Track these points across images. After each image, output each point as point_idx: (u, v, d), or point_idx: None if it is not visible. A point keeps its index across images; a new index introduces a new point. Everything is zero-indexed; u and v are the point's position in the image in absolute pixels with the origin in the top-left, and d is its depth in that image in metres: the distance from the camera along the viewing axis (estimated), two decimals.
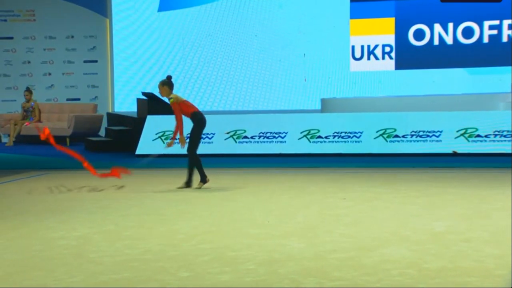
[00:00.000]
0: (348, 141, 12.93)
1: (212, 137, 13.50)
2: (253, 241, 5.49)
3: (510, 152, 11.91)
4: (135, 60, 17.81)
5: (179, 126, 8.94)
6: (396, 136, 12.51)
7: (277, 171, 10.90)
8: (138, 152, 13.61)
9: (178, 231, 5.91)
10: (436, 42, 15.75)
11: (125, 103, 17.71)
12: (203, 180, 8.64)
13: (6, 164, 13.13)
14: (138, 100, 15.11)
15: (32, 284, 4.54)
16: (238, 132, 13.65)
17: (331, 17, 16.50)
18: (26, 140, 16.89)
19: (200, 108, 17.00)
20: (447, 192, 8.12)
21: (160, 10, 17.95)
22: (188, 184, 8.63)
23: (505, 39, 15.03)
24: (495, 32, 15.29)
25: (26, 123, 16.85)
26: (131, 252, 5.25)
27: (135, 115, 15.20)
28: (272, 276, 4.58)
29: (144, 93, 14.75)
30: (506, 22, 15.05)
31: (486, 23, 15.35)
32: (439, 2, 16.37)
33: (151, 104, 14.40)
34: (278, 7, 17.07)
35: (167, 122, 13.99)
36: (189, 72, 17.49)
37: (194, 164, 8.74)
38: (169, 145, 9.10)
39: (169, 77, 9.22)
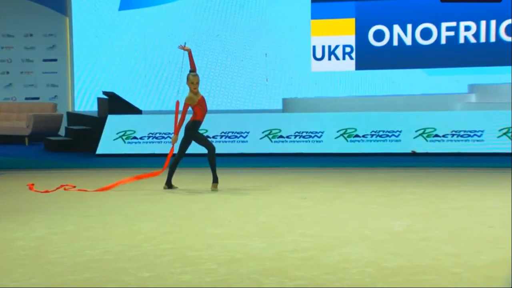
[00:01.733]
0: (309, 141, 13.01)
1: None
2: (214, 241, 5.52)
3: (466, 152, 12.28)
4: (96, 59, 17.62)
5: (181, 124, 9.08)
6: (357, 136, 12.64)
7: (239, 171, 11.03)
8: (98, 151, 13.59)
9: (139, 231, 5.91)
10: (395, 43, 15.94)
11: (85, 103, 17.68)
12: (170, 184, 8.84)
13: None
14: (99, 99, 15.09)
15: None
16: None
17: (293, 17, 16.60)
18: None
19: (161, 107, 16.95)
20: (406, 192, 8.25)
21: (121, 9, 17.95)
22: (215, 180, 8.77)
23: (461, 40, 15.31)
24: (452, 33, 15.57)
25: None
26: (91, 253, 5.24)
27: (95, 115, 15.18)
28: (233, 276, 4.61)
29: (105, 92, 14.73)
30: (462, 24, 15.36)
31: (444, 25, 15.62)
32: (398, 3, 16.73)
33: (112, 104, 14.38)
34: (239, 7, 17.15)
35: (128, 122, 14.22)
36: (150, 71, 17.49)
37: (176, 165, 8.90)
38: (175, 141, 9.07)
39: (189, 70, 9.24)
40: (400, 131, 12.77)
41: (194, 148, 11.40)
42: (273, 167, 11.56)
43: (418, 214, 6.69)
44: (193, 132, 9.02)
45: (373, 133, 12.69)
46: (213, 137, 13.07)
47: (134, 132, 13.97)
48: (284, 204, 7.43)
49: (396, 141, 12.63)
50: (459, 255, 4.99)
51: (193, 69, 9.19)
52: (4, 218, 6.97)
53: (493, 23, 15.32)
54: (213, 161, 8.75)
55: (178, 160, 9.06)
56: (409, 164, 11.39)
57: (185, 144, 9.07)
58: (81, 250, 5.30)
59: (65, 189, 8.91)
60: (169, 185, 9.03)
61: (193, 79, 8.97)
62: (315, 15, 16.53)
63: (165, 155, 10.94)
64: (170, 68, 17.38)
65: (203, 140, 8.97)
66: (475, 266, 4.76)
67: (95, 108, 15.64)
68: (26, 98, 18.53)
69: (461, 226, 6.09)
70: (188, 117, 9.05)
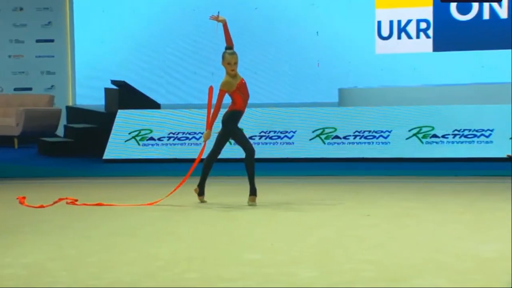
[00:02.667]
0: (372, 143, 13.21)
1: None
2: (251, 269, 5.52)
3: None
4: (102, 39, 18.00)
5: (216, 116, 9.02)
6: (434, 136, 12.95)
7: (282, 180, 11.16)
8: (106, 156, 13.82)
9: (156, 256, 5.96)
10: (486, 16, 16.05)
11: (89, 95, 17.70)
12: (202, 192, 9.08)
13: None
14: (107, 90, 15.25)
15: None
16: None
17: None
18: None
19: (184, 101, 16.96)
20: (498, 208, 8.25)
21: None
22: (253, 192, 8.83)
23: None
24: None
25: None
26: (97, 284, 5.26)
27: (102, 110, 15.38)
28: None
29: (114, 82, 14.84)
30: None
31: None
32: None
33: (123, 96, 14.54)
34: None
35: (143, 119, 14.29)
36: (170, 55, 17.58)
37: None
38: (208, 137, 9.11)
39: (225, 47, 9.08)
40: (491, 130, 12.86)
41: (227, 152, 11.47)
42: (326, 175, 11.75)
43: None
44: (231, 126, 8.89)
45: (455, 132, 13.01)
46: (250, 138, 13.09)
47: (151, 131, 14.14)
48: (340, 222, 7.47)
49: (487, 142, 12.91)
50: None
51: (229, 46, 8.95)
52: None
53: None
54: (251, 167, 8.69)
55: (212, 160, 9.00)
56: (504, 172, 11.35)
57: (221, 140, 8.96)
58: (83, 281, 5.32)
59: (66, 203, 8.90)
60: (201, 190, 8.96)
61: (230, 58, 8.77)
62: None
63: (190, 160, 11.02)
64: (196, 49, 17.59)
65: (242, 139, 8.84)
66: None
67: (101, 101, 15.76)
68: (15, 89, 18.86)
69: None
70: (224, 107, 8.95)
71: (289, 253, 6.15)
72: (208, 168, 9.02)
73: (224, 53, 8.83)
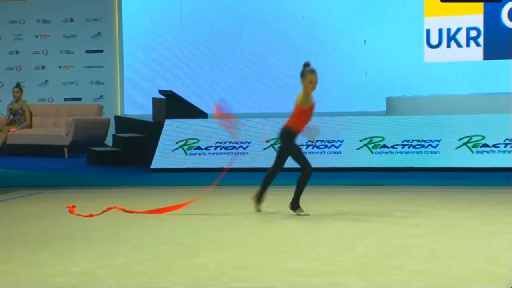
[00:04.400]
0: (421, 152, 13.23)
1: (247, 146, 13.52)
2: (298, 278, 5.56)
3: None
4: (150, 49, 18.12)
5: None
6: (485, 145, 12.91)
7: (329, 190, 11.18)
8: (154, 165, 13.87)
9: (204, 265, 6.01)
10: None
11: (137, 105, 17.91)
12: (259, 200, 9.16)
13: None
14: (154, 100, 15.39)
15: None
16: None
17: None
18: (14, 151, 17.21)
19: (237, 110, 17.01)
20: None
21: None
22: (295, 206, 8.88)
23: None
24: None
25: (13, 129, 17.07)
26: None
27: (150, 119, 15.47)
28: None
29: (161, 91, 14.91)
30: None
31: None
32: None
33: (171, 105, 14.58)
34: None
35: (190, 128, 14.37)
36: (218, 65, 17.65)
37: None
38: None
39: (305, 64, 8.99)
40: None
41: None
42: (373, 185, 11.77)
43: None
44: (289, 144, 8.90)
45: (507, 141, 12.86)
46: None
47: (198, 141, 14.13)
48: (388, 232, 7.48)
49: None
50: None
51: (308, 62, 8.92)
52: (39, 249, 7.11)
53: None
54: (302, 186, 8.73)
55: (275, 173, 8.99)
56: None
57: (282, 154, 8.98)
58: None
59: (116, 209, 9.00)
60: (260, 199, 8.96)
61: (312, 76, 8.69)
62: None
63: (237, 169, 11.47)
64: (244, 59, 17.86)
65: (300, 158, 8.88)
66: None
67: (149, 111, 15.86)
68: (65, 99, 18.93)
69: None
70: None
71: (336, 263, 6.29)
72: (270, 179, 9.00)
73: (305, 71, 8.74)
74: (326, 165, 13.35)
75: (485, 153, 13.13)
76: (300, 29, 17.98)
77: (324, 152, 13.60)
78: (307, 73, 8.66)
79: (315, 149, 13.52)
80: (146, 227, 8.53)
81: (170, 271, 6.14)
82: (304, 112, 8.79)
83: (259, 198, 9.02)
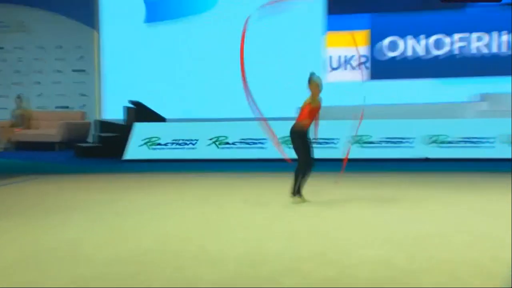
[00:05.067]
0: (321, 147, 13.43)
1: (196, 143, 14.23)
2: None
3: (477, 157, 12.91)
4: (122, 69, 18.27)
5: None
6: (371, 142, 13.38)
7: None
8: (125, 157, 14.21)
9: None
10: (409, 52, 16.44)
11: (112, 111, 17.81)
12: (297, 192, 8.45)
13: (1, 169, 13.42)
14: (126, 108, 15.53)
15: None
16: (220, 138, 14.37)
17: (306, 30, 17.33)
18: (17, 147, 17.49)
19: (184, 116, 16.93)
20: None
21: (146, 21, 18.12)
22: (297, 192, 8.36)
23: (474, 50, 15.68)
24: (464, 44, 15.95)
25: (16, 130, 17.33)
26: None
27: (122, 122, 15.60)
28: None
29: (131, 102, 15.18)
30: (474, 35, 15.79)
31: (456, 36, 16.05)
32: (411, 15, 16.81)
33: (138, 112, 14.90)
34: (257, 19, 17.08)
35: (152, 129, 14.69)
36: (174, 81, 18.18)
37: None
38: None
39: (311, 74, 8.66)
40: (413, 138, 13.46)
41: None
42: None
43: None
44: (297, 143, 8.31)
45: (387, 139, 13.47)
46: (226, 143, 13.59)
47: (159, 138, 14.35)
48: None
49: (410, 147, 13.32)
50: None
51: (313, 72, 8.57)
52: (43, 217, 7.23)
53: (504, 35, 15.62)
54: (296, 175, 8.18)
55: (305, 169, 8.31)
56: (421, 169, 11.73)
57: (300, 149, 8.37)
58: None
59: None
60: (297, 192, 8.36)
61: (319, 83, 8.36)
62: (331, 27, 16.90)
63: (187, 160, 11.76)
64: (193, 78, 18.04)
65: (306, 156, 8.34)
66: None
67: (121, 116, 15.93)
68: (57, 107, 18.92)
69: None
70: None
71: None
72: (299, 173, 8.20)
73: (314, 76, 8.40)
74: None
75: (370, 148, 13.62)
76: (230, 58, 17.66)
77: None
78: (316, 79, 8.36)
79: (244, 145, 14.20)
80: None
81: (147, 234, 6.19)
82: (312, 109, 8.32)
83: (296, 191, 8.31)
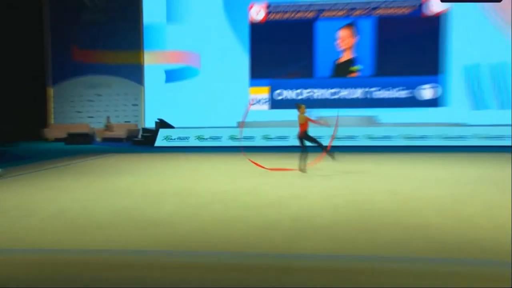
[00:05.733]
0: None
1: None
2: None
3: None
4: (155, 106, 20.00)
5: (317, 123, 8.67)
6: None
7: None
8: (155, 145, 16.76)
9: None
10: (289, 97, 18.37)
11: (149, 123, 19.78)
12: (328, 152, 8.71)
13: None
14: (155, 122, 18.34)
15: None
16: None
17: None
18: (107, 140, 19.44)
19: (183, 125, 18.58)
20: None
21: (167, 81, 20.60)
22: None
23: None
24: None
25: (105, 132, 19.67)
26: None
27: (153, 128, 18.10)
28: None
29: (158, 119, 18.25)
30: None
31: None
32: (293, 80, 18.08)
33: (161, 123, 18.02)
34: None
35: (168, 132, 17.11)
36: (183, 110, 19.42)
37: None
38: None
39: (296, 104, 8.85)
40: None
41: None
42: None
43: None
44: (303, 137, 8.69)
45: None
46: None
47: (171, 136, 17.19)
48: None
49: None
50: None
51: (297, 103, 8.81)
52: (111, 175, 8.29)
53: None
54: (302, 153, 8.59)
55: (304, 150, 8.73)
56: None
57: (301, 141, 8.73)
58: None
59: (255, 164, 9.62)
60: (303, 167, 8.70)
61: (302, 107, 8.68)
62: (251, 84, 18.91)
63: (185, 147, 14.26)
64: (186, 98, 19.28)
65: (312, 139, 8.68)
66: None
67: (153, 125, 18.53)
68: (124, 121, 21.29)
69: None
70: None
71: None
72: (305, 154, 8.73)
73: (298, 105, 8.68)
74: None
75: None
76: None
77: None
78: (299, 106, 8.68)
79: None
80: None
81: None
82: (301, 124, 8.62)
83: (303, 167, 8.58)
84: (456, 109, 17.55)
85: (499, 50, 18.20)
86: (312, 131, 9.42)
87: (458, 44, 18.35)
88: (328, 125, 8.71)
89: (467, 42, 18.16)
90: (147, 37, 19.95)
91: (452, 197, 6.57)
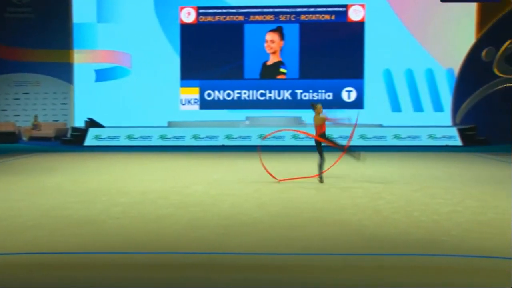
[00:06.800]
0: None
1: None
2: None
3: None
4: (84, 105, 19.31)
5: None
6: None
7: None
8: (85, 144, 16.42)
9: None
10: (220, 98, 18.63)
11: (79, 122, 19.13)
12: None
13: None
14: (85, 121, 18.09)
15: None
16: None
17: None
18: (34, 139, 18.52)
19: (114, 124, 18.20)
20: None
21: (96, 81, 19.92)
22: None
23: None
24: None
25: (33, 131, 18.69)
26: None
27: (83, 127, 17.68)
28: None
29: (88, 118, 17.83)
30: None
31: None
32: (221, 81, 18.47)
33: (91, 123, 17.65)
34: None
35: (97, 131, 16.77)
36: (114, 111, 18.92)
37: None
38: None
39: (311, 104, 8.21)
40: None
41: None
42: None
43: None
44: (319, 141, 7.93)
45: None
46: None
47: (101, 135, 16.88)
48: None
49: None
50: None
51: (313, 102, 8.15)
52: (40, 173, 8.13)
53: None
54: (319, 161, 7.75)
55: (321, 158, 7.90)
56: None
57: (319, 147, 7.98)
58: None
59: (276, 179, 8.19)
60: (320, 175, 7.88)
61: (319, 107, 7.99)
62: (182, 85, 18.66)
63: (114, 146, 14.36)
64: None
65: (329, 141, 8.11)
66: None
67: (83, 124, 18.10)
68: (52, 120, 20.20)
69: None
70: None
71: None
72: (322, 162, 7.87)
73: (314, 105, 8.00)
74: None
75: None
76: None
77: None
78: (315, 106, 7.98)
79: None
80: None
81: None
82: (318, 126, 7.93)
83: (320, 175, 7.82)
84: (376, 110, 18.18)
85: (413, 56, 19.08)
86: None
87: (376, 50, 18.97)
88: (350, 124, 8.30)
89: (384, 48, 18.80)
90: (77, 35, 19.55)
91: (372, 195, 7.02)
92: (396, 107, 18.28)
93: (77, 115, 19.56)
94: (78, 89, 19.91)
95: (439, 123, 18.29)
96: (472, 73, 18.36)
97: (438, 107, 19.03)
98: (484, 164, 11.07)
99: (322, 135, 7.83)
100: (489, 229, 5.21)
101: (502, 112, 17.93)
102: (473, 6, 18.54)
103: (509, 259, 4.11)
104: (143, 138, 16.72)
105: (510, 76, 17.88)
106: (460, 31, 18.66)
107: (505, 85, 17.92)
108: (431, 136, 16.26)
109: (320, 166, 7.76)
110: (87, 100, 19.74)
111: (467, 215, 5.84)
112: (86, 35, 19.61)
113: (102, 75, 19.79)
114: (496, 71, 18.30)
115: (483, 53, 18.15)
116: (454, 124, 18.29)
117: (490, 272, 3.86)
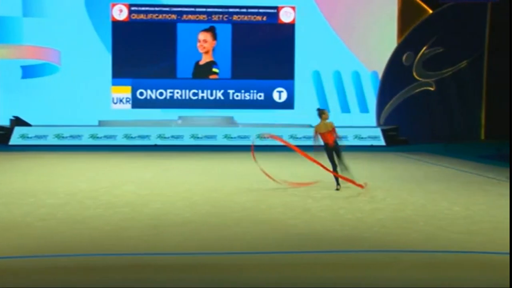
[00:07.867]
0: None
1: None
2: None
3: None
4: (9, 96, 18.30)
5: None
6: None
7: None
8: (10, 143, 15.94)
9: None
10: (153, 97, 18.56)
11: (4, 121, 17.88)
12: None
13: None
14: (10, 119, 17.38)
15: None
16: None
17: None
18: None
19: (41, 123, 17.74)
20: None
21: (23, 77, 18.69)
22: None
23: None
24: None
25: None
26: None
27: (8, 126, 17.02)
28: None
29: (14, 116, 17.23)
30: None
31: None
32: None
33: (17, 121, 17.13)
34: None
35: (24, 130, 16.44)
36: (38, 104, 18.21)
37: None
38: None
39: (318, 109, 8.05)
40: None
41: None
42: None
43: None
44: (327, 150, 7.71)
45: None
46: None
47: (27, 134, 16.53)
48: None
49: None
50: None
51: (319, 108, 7.97)
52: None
53: None
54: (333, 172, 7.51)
55: (334, 167, 7.71)
56: None
57: (330, 157, 7.76)
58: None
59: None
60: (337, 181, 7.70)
61: (325, 114, 7.68)
62: (113, 83, 18.44)
63: (41, 145, 14.12)
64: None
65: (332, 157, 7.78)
66: None
67: (9, 123, 17.36)
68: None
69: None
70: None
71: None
72: (335, 172, 7.64)
73: (320, 112, 7.72)
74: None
75: None
76: None
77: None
78: (323, 112, 7.70)
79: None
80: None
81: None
82: (322, 134, 7.63)
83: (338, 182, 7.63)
84: (305, 111, 18.15)
85: (340, 59, 19.55)
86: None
87: (306, 51, 19.37)
88: (284, 141, 8.21)
89: (313, 50, 19.24)
90: (1, 29, 18.61)
91: (301, 194, 7.22)
92: (325, 108, 18.84)
93: (1, 113, 18.49)
94: (2, 86, 18.96)
95: (365, 124, 18.88)
96: (394, 76, 18.99)
97: (364, 108, 19.67)
98: (404, 163, 11.68)
99: (335, 143, 7.57)
100: (408, 224, 5.54)
101: (420, 113, 18.74)
102: (395, 11, 19.20)
103: (429, 253, 4.42)
104: (73, 137, 16.64)
105: (427, 80, 18.71)
106: (383, 36, 19.29)
107: (422, 88, 18.75)
108: (357, 137, 16.96)
109: (345, 172, 7.56)
110: (12, 97, 18.91)
111: (388, 212, 6.16)
112: (11, 29, 18.82)
113: (29, 71, 19.14)
114: (415, 75, 19.24)
115: (403, 57, 18.82)
116: (378, 125, 18.92)
117: (409, 265, 4.10)
